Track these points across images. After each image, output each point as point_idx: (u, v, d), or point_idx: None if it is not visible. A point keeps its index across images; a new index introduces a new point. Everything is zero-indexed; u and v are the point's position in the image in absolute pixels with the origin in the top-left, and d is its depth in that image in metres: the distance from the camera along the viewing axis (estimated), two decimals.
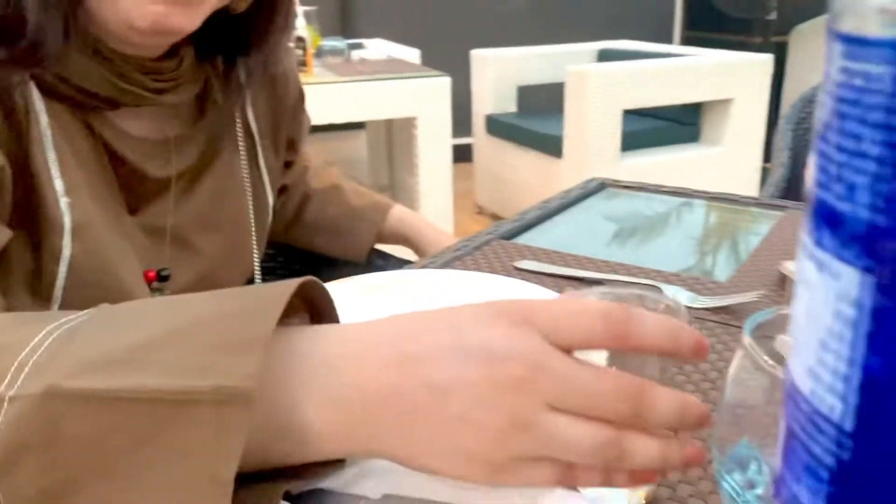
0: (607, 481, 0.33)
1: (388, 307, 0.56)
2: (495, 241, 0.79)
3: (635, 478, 0.34)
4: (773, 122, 3.22)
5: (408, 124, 2.61)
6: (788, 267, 0.62)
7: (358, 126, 3.43)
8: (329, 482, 0.40)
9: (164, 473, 0.32)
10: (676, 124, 3.05)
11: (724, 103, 2.93)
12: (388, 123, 3.06)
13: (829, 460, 0.18)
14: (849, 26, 0.17)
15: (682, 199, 0.98)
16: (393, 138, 3.05)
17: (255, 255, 0.73)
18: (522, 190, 3.11)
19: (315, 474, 0.37)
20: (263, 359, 0.32)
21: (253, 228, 0.72)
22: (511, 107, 3.36)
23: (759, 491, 0.36)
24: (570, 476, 0.33)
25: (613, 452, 0.32)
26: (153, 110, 0.62)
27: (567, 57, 3.39)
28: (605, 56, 3.42)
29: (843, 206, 0.17)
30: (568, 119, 2.75)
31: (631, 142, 2.82)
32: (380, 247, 0.97)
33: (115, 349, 0.33)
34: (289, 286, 0.35)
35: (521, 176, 3.13)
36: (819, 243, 0.18)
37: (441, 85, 2.54)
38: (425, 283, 0.66)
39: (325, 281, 0.40)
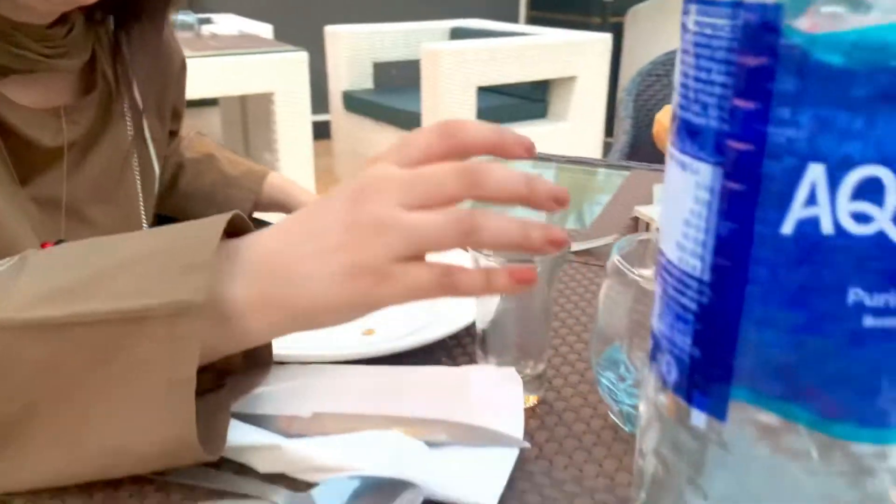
0: (487, 285, 0.37)
1: None
2: None
3: (515, 277, 0.38)
4: (612, 98, 3.46)
5: (264, 100, 2.58)
6: (641, 210, 0.72)
7: (211, 102, 3.33)
8: (263, 407, 0.44)
9: (123, 389, 0.35)
10: (526, 101, 3.20)
11: (569, 80, 3.11)
12: (243, 99, 3.00)
13: (693, 306, 0.25)
14: None
15: (542, 163, 1.07)
16: (248, 115, 3.00)
17: (146, 227, 0.73)
18: None
19: (252, 382, 0.42)
20: (210, 277, 0.35)
21: (141, 200, 0.72)
22: (367, 83, 3.39)
23: (629, 382, 0.44)
24: (450, 281, 0.37)
25: (469, 225, 0.36)
26: (42, 80, 0.61)
27: (421, 34, 3.46)
28: (457, 34, 3.52)
29: (699, 120, 0.24)
30: (425, 96, 2.82)
31: (485, 118, 2.94)
32: (258, 215, 0.99)
33: (63, 282, 0.36)
34: (222, 218, 0.38)
35: (381, 151, 3.18)
36: (682, 150, 0.25)
37: (298, 60, 2.53)
38: None
39: None
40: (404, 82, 3.30)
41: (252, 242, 0.39)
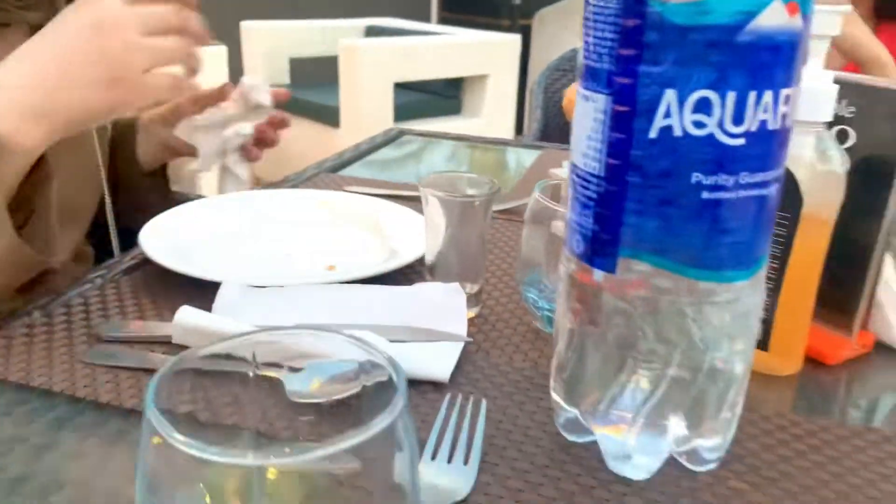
0: (200, 39, 0.62)
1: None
2: (322, 174, 0.93)
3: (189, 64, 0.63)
4: (521, 96, 3.62)
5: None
6: (555, 172, 0.83)
7: None
8: (248, 321, 0.52)
9: None
10: (441, 98, 3.33)
11: (481, 79, 3.26)
12: None
13: (594, 195, 0.37)
14: None
15: (465, 143, 1.19)
16: None
17: (104, 176, 0.79)
18: (302, 158, 3.18)
19: None
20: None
21: (99, 152, 0.78)
22: (284, 79, 3.43)
23: (547, 294, 0.56)
24: (179, 84, 0.61)
25: (187, 40, 0.60)
26: (4, 39, 0.67)
27: (336, 31, 3.53)
28: (372, 32, 3.61)
29: (597, 65, 0.35)
30: (343, 91, 2.90)
31: (402, 113, 3.04)
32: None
33: None
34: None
35: (300, 146, 3.22)
36: (586, 87, 0.36)
37: (217, 54, 2.56)
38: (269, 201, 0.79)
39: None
40: (321, 78, 3.37)
41: (9, 80, 0.55)
